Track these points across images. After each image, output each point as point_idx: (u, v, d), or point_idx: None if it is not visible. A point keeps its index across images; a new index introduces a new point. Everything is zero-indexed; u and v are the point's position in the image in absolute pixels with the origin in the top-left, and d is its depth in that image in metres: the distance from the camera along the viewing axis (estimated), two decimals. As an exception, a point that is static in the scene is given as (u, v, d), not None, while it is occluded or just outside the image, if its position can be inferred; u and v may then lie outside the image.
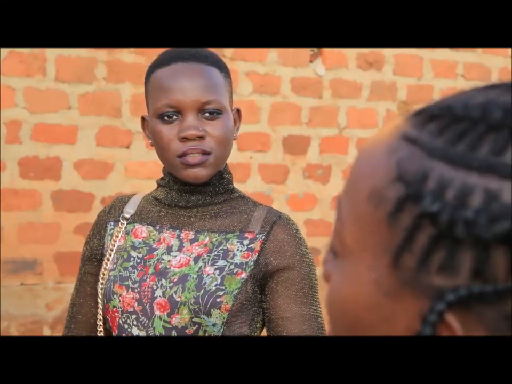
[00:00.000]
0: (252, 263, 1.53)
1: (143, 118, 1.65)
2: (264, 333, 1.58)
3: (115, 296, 1.56)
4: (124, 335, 1.55)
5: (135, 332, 1.53)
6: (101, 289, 1.59)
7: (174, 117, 1.54)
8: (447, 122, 0.55)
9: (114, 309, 1.56)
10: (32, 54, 3.18)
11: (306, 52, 3.71)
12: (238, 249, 1.55)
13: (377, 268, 0.55)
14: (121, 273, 1.57)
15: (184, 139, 1.53)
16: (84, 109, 3.27)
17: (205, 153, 1.53)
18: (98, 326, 1.61)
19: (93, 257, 1.66)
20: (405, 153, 0.55)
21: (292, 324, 1.51)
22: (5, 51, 3.13)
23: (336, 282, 0.58)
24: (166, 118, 1.54)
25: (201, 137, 1.53)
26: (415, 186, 0.53)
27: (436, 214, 0.52)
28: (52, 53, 3.20)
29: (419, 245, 0.53)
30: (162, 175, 1.66)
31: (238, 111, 1.64)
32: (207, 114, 1.54)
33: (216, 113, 1.54)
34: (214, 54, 1.61)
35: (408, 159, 0.54)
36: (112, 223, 1.65)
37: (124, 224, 1.64)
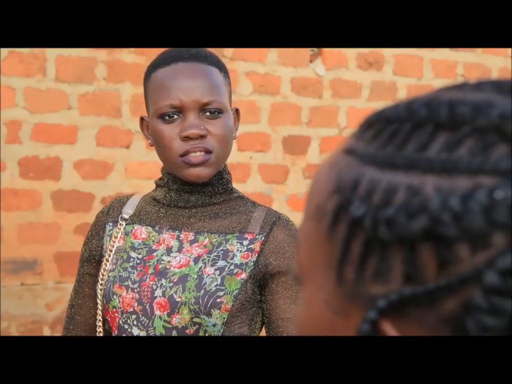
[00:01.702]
0: (252, 263, 1.53)
1: (142, 118, 1.65)
2: (263, 333, 1.58)
3: (115, 296, 1.55)
4: (124, 335, 1.55)
5: (135, 331, 1.54)
6: (101, 289, 1.59)
7: (175, 116, 1.54)
8: (380, 127, 0.55)
9: (114, 309, 1.56)
10: (32, 54, 3.17)
11: (306, 52, 3.71)
12: (237, 250, 1.55)
13: (326, 287, 0.54)
14: (120, 273, 1.57)
15: (186, 138, 1.53)
16: (84, 109, 3.27)
17: (207, 151, 1.53)
18: (97, 327, 1.61)
19: (91, 258, 1.65)
20: (343, 164, 0.54)
21: (292, 324, 1.51)
22: (5, 51, 3.13)
23: (298, 309, 0.58)
24: (167, 117, 1.54)
25: (202, 136, 1.53)
26: (347, 194, 0.53)
27: (361, 218, 0.51)
28: (51, 53, 3.20)
29: (354, 254, 0.52)
30: (161, 175, 1.66)
31: (237, 111, 1.64)
32: (208, 113, 1.54)
33: (217, 113, 1.54)
34: (213, 54, 1.62)
35: (345, 170, 0.54)
36: (110, 224, 1.65)
37: (122, 225, 1.64)
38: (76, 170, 3.26)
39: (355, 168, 0.53)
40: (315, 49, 3.72)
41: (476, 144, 0.50)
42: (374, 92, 3.86)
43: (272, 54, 3.62)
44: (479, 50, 4.06)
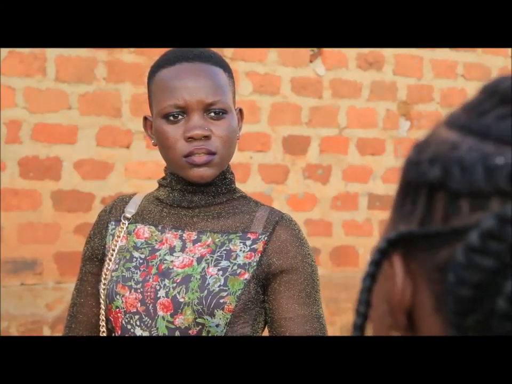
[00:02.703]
0: (255, 263, 1.53)
1: (145, 118, 1.64)
2: (265, 333, 1.58)
3: (118, 296, 1.55)
4: (127, 335, 1.55)
5: (138, 332, 1.53)
6: (103, 289, 1.58)
7: (180, 117, 1.54)
8: (478, 98, 0.59)
9: (117, 310, 1.56)
10: (32, 54, 3.18)
11: (306, 52, 3.71)
12: (240, 250, 1.55)
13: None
14: (123, 273, 1.57)
15: (190, 139, 1.52)
16: (84, 109, 3.27)
17: (210, 153, 1.53)
18: (101, 327, 1.61)
19: (94, 257, 1.65)
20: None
21: (294, 324, 1.51)
22: (5, 51, 3.13)
23: None
24: (171, 118, 1.54)
25: (206, 137, 1.53)
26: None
27: (408, 163, 0.57)
28: (51, 53, 3.20)
29: (398, 196, 0.58)
30: (162, 174, 1.65)
31: (241, 111, 1.64)
32: (212, 114, 1.54)
33: (221, 113, 1.54)
34: (217, 54, 1.61)
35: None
36: (113, 223, 1.65)
37: (125, 224, 1.64)
38: (75, 170, 3.26)
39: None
40: (315, 49, 3.72)
41: None
42: (374, 92, 3.85)
43: (272, 54, 3.62)
44: (479, 50, 4.06)
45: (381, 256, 0.55)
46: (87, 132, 3.28)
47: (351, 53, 3.79)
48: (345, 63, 3.79)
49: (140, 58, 3.33)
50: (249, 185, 3.54)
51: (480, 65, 4.09)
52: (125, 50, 3.32)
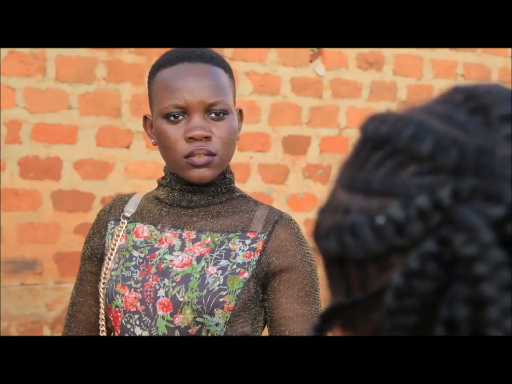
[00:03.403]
0: (254, 262, 1.54)
1: (145, 117, 1.64)
2: (265, 332, 1.58)
3: (117, 296, 1.55)
4: (126, 335, 1.55)
5: (138, 331, 1.54)
6: (103, 288, 1.59)
7: (180, 117, 1.54)
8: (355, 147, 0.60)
9: (117, 309, 1.56)
10: (32, 54, 3.17)
11: (306, 52, 3.71)
12: (240, 249, 1.55)
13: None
14: (123, 273, 1.57)
15: (191, 139, 1.53)
16: (84, 109, 3.27)
17: (211, 154, 1.53)
18: (100, 326, 1.61)
19: (93, 256, 1.65)
20: None
21: (294, 323, 1.51)
22: (5, 51, 3.13)
23: None
24: (172, 118, 1.54)
25: (207, 138, 1.53)
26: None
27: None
28: (52, 53, 3.20)
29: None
30: (162, 174, 1.65)
31: (240, 111, 1.65)
32: (213, 115, 1.54)
33: (222, 114, 1.55)
34: (219, 54, 1.62)
35: None
36: (112, 222, 1.65)
37: (124, 223, 1.64)
38: (76, 170, 3.26)
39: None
40: (315, 49, 3.72)
41: (391, 165, 0.52)
42: (374, 91, 3.85)
43: (272, 54, 3.62)
44: (479, 50, 4.06)
45: (318, 333, 0.55)
46: (87, 131, 3.27)
47: (351, 53, 3.78)
48: (345, 63, 3.79)
49: (140, 58, 3.33)
50: (249, 185, 3.54)
51: (480, 65, 4.09)
52: (125, 50, 3.32)
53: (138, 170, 3.37)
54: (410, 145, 0.52)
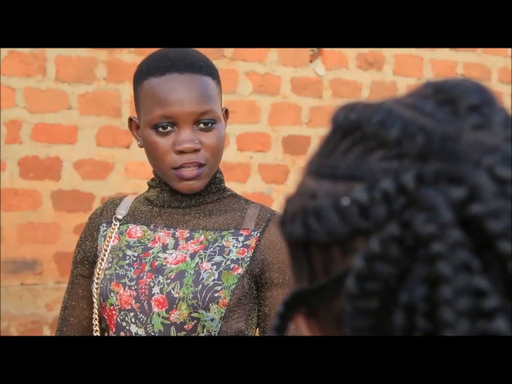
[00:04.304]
0: (248, 259, 1.55)
1: (130, 119, 1.64)
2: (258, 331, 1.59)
3: (112, 294, 1.56)
4: (122, 332, 1.56)
5: (134, 329, 1.54)
6: (96, 288, 1.59)
7: (169, 128, 1.54)
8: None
9: (112, 307, 1.56)
10: (32, 54, 3.18)
11: (306, 52, 3.71)
12: (233, 246, 1.57)
13: None
14: (117, 271, 1.58)
15: (181, 152, 1.53)
16: (84, 109, 3.27)
17: (200, 165, 1.54)
18: (94, 326, 1.62)
19: (85, 260, 1.66)
20: None
21: None
22: (5, 51, 3.13)
23: None
24: (160, 129, 1.54)
25: (197, 150, 1.54)
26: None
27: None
28: (51, 53, 3.20)
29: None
30: (153, 176, 1.67)
31: (226, 111, 1.64)
32: (202, 125, 1.54)
33: (210, 124, 1.55)
34: (207, 60, 1.60)
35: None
36: (104, 225, 1.66)
37: (116, 225, 1.64)
38: (76, 170, 3.26)
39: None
40: (315, 49, 3.72)
41: (359, 150, 0.53)
42: (374, 91, 3.85)
43: (272, 54, 3.62)
44: (479, 50, 4.06)
45: (281, 321, 0.55)
46: (87, 132, 3.28)
47: (351, 53, 3.78)
48: (345, 63, 3.79)
49: (139, 58, 3.32)
50: (249, 185, 3.54)
51: (480, 65, 4.09)
52: (125, 50, 3.32)
53: (138, 170, 3.37)
54: (379, 131, 0.52)
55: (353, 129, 0.54)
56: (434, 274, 0.47)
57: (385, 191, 0.49)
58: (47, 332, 3.23)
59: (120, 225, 1.64)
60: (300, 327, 0.55)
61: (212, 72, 1.59)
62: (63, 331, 1.67)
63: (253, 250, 1.56)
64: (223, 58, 3.49)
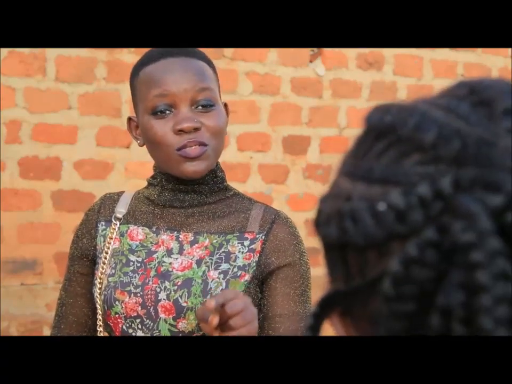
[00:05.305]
0: (254, 264, 1.53)
1: (129, 119, 1.63)
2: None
3: (117, 302, 1.52)
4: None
5: (140, 335, 1.52)
6: (100, 294, 1.55)
7: (167, 111, 1.51)
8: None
9: (117, 315, 1.53)
10: (32, 54, 3.17)
11: (306, 52, 3.71)
12: (239, 251, 1.53)
13: None
14: (121, 278, 1.54)
15: (181, 131, 1.49)
16: (84, 109, 3.27)
17: (203, 144, 1.49)
18: (98, 326, 1.59)
19: (83, 257, 1.61)
20: None
21: (289, 321, 1.51)
22: (5, 51, 3.13)
23: None
24: (158, 113, 1.51)
25: (197, 129, 1.49)
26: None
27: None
28: (52, 53, 3.20)
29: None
30: (154, 173, 1.63)
31: (226, 105, 1.61)
32: (200, 107, 1.51)
33: (209, 106, 1.51)
34: (203, 52, 1.60)
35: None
36: (103, 223, 1.61)
37: (116, 224, 1.60)
38: (76, 170, 3.26)
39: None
40: (315, 49, 3.72)
41: (394, 154, 0.53)
42: (374, 92, 3.85)
43: (272, 54, 3.62)
44: (479, 50, 4.06)
45: (316, 320, 0.55)
46: (87, 131, 3.27)
47: (351, 53, 3.78)
48: (345, 63, 3.79)
49: (140, 58, 3.33)
50: (249, 185, 3.54)
51: (480, 65, 4.09)
52: (125, 50, 3.32)
53: (138, 170, 3.37)
54: (414, 135, 0.52)
55: (388, 132, 0.54)
56: (473, 282, 0.47)
57: (422, 196, 0.49)
58: (47, 332, 3.23)
59: (120, 225, 1.60)
60: (335, 326, 0.56)
61: (208, 61, 1.57)
62: (61, 328, 1.62)
63: (258, 255, 1.53)
64: (223, 58, 3.49)
